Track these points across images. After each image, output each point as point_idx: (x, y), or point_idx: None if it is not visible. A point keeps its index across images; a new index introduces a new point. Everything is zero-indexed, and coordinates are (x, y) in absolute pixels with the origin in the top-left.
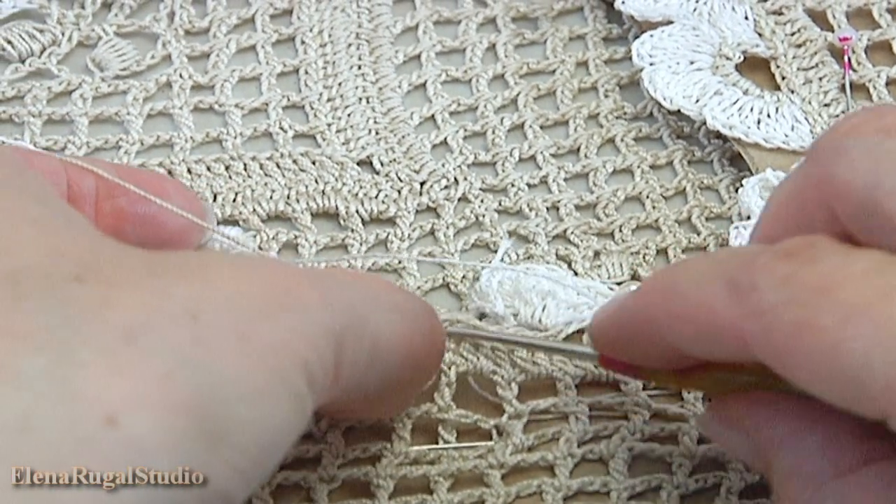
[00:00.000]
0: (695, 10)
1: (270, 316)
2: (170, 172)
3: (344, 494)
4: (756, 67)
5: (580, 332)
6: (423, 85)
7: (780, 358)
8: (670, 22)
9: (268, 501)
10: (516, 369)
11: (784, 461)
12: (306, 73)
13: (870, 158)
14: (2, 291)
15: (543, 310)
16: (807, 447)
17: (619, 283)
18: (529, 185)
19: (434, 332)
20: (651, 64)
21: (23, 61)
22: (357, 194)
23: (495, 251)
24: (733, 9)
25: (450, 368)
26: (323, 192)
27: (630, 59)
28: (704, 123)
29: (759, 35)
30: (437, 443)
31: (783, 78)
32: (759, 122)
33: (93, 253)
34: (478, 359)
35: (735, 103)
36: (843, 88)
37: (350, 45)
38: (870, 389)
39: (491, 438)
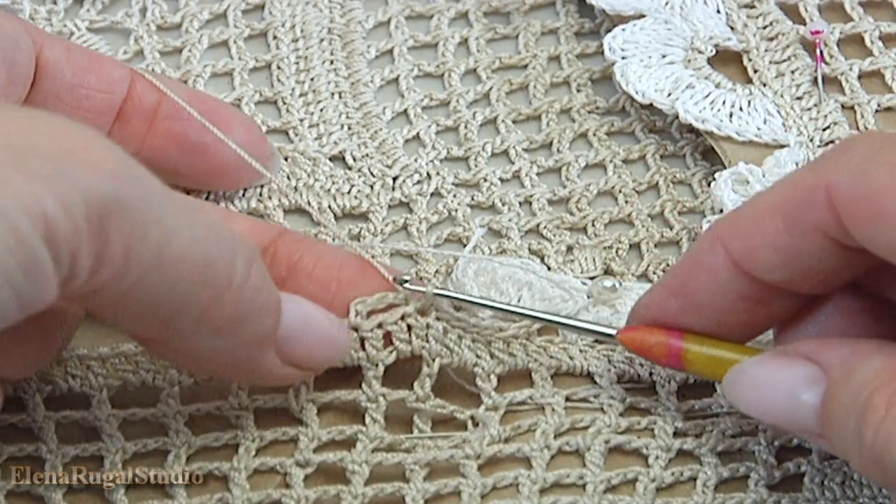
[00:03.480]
0: (667, 3)
1: (17, 159)
2: None
3: (319, 480)
4: (728, 61)
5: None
6: (396, 80)
7: (872, 201)
8: (642, 16)
9: (244, 487)
10: (495, 360)
11: (855, 378)
12: (279, 68)
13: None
14: None
15: (519, 300)
16: (874, 364)
17: (591, 278)
18: (502, 180)
19: (258, 279)
20: (623, 58)
21: None
22: (329, 190)
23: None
24: (705, 2)
25: (433, 360)
26: (295, 188)
27: (602, 53)
28: (677, 117)
29: (732, 28)
30: (411, 431)
31: (755, 71)
32: (731, 116)
33: None
34: (462, 350)
35: (707, 97)
36: (815, 81)
37: (322, 40)
38: None
39: (466, 429)
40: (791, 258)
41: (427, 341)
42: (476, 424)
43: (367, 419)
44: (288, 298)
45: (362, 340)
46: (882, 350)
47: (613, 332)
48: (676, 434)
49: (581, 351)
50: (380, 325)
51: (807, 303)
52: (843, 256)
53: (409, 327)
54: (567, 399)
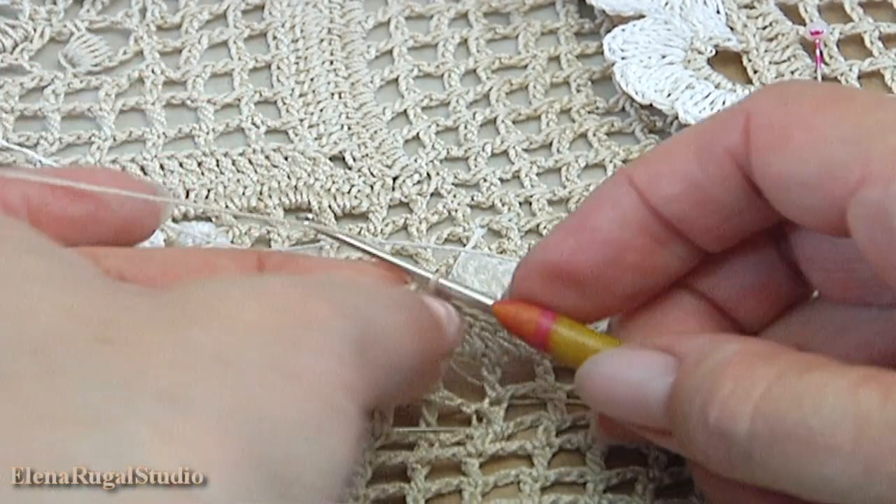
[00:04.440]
0: (666, 3)
1: (296, 341)
2: (142, 169)
3: None
4: (728, 61)
5: None
6: (396, 80)
7: (785, 127)
8: (642, 16)
9: None
10: (501, 349)
11: (708, 362)
12: (278, 68)
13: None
14: (31, 367)
15: None
16: (732, 348)
17: None
18: (502, 180)
19: (430, 318)
20: (623, 58)
21: None
22: (329, 189)
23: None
24: (705, 3)
25: None
26: (295, 187)
27: (602, 53)
28: (677, 118)
29: (731, 29)
30: (418, 424)
31: (755, 72)
32: None
33: (107, 308)
34: (472, 339)
35: (707, 97)
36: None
37: (322, 40)
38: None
39: (470, 423)
40: (695, 188)
41: None
42: (480, 419)
43: (375, 415)
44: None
45: None
46: (740, 339)
47: (491, 301)
48: None
49: None
50: None
51: (699, 260)
52: (746, 198)
53: None
54: (569, 395)
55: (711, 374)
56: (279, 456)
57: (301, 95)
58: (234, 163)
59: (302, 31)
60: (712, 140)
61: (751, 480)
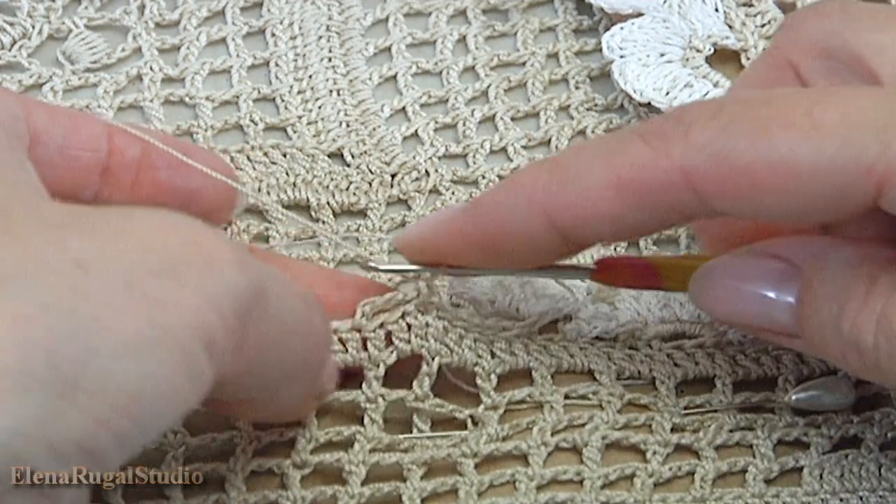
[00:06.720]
0: (665, 2)
1: (171, 271)
2: None
3: (316, 481)
4: (726, 59)
5: (555, 322)
6: (394, 77)
7: (741, 178)
8: (641, 14)
9: (241, 488)
10: (495, 360)
11: (831, 271)
12: (277, 65)
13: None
14: None
15: (523, 297)
16: (846, 255)
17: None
18: (500, 177)
19: (327, 325)
20: (621, 56)
21: None
22: (328, 186)
23: None
24: (703, 1)
25: (433, 358)
26: (294, 184)
27: (601, 50)
28: None
29: (730, 27)
30: (411, 431)
31: None
32: None
33: (8, 201)
34: (462, 350)
35: (705, 95)
36: None
37: (320, 37)
38: (861, 162)
39: (465, 428)
40: (628, 228)
41: (426, 340)
42: (475, 424)
43: (366, 420)
44: None
45: (364, 341)
46: (847, 241)
47: (594, 267)
48: (674, 429)
49: (581, 348)
50: (381, 325)
51: None
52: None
53: (409, 326)
54: (566, 396)
55: (838, 283)
56: (79, 360)
57: (299, 92)
58: (232, 159)
59: (300, 28)
60: (652, 197)
61: (884, 384)
